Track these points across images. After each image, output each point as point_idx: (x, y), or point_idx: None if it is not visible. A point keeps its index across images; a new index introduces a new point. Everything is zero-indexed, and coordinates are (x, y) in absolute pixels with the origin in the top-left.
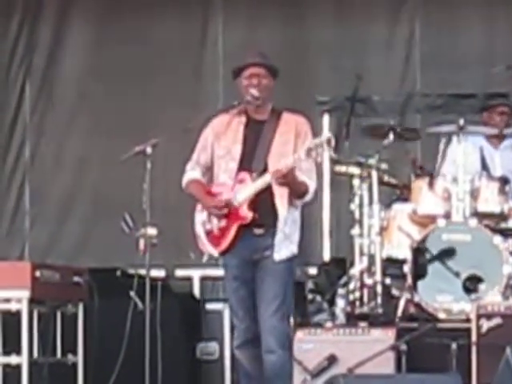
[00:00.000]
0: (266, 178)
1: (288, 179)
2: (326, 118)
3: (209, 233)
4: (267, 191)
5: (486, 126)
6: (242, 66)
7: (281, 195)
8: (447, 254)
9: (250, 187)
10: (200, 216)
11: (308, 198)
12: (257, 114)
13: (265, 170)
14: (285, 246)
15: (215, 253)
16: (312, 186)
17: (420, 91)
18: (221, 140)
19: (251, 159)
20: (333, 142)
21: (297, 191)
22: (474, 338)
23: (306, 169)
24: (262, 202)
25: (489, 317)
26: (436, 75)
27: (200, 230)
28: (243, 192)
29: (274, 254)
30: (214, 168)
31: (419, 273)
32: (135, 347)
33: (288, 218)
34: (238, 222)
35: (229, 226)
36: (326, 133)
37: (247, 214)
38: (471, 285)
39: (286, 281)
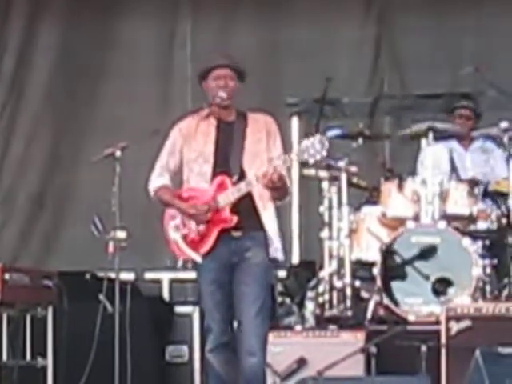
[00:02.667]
0: (252, 183)
1: (280, 183)
2: (294, 121)
3: (185, 237)
4: (247, 193)
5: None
6: (208, 67)
7: (260, 197)
8: (427, 253)
9: (233, 192)
10: (173, 222)
11: (288, 199)
12: (225, 115)
13: (242, 172)
14: (282, 244)
15: (197, 257)
16: (290, 186)
17: (388, 93)
18: (191, 143)
19: (226, 161)
20: (327, 144)
21: (281, 194)
22: (443, 340)
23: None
24: (242, 204)
25: (458, 319)
26: (404, 76)
27: (176, 236)
28: (225, 197)
29: (278, 254)
30: (183, 172)
31: (392, 275)
32: (105, 350)
33: (274, 219)
34: (221, 225)
35: (210, 229)
36: (319, 135)
37: (232, 218)
38: (440, 287)
39: (266, 283)
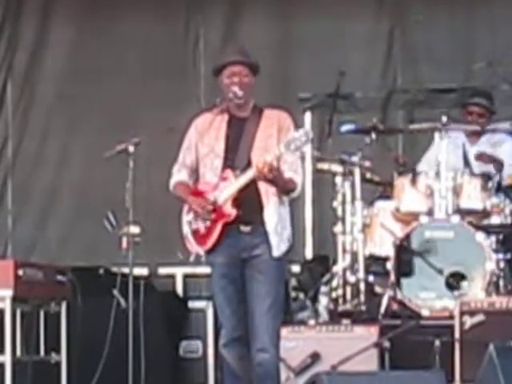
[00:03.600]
0: (249, 175)
1: (271, 176)
2: (307, 115)
3: (195, 232)
4: (253, 188)
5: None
6: (222, 64)
7: (266, 192)
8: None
9: (233, 184)
10: (186, 217)
11: (296, 193)
12: (239, 111)
13: (248, 166)
14: (277, 242)
15: (201, 252)
16: (299, 180)
17: (401, 87)
18: (204, 138)
19: (234, 156)
20: (310, 136)
21: (284, 188)
22: (457, 334)
23: (291, 162)
24: (248, 199)
25: (472, 313)
26: (417, 71)
27: (187, 230)
28: (227, 190)
29: (273, 251)
30: (199, 167)
31: (404, 270)
32: (118, 345)
33: (275, 215)
34: (223, 219)
35: (214, 224)
36: (305, 127)
37: (231, 212)
38: (454, 282)
39: (278, 279)
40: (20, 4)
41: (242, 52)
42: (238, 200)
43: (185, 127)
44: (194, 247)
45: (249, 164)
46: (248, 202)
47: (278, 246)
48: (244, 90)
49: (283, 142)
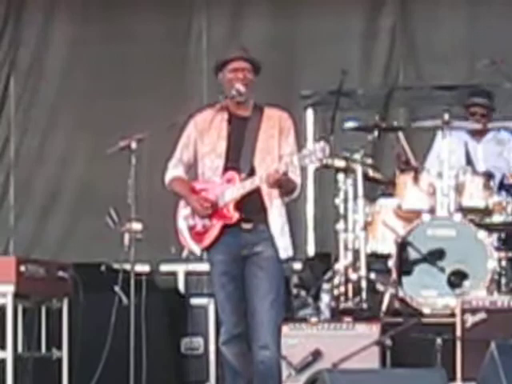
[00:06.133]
0: (255, 182)
1: (280, 183)
2: (309, 113)
3: (192, 228)
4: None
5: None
6: (226, 59)
7: (268, 194)
8: (436, 254)
9: (239, 189)
10: (183, 211)
11: (296, 194)
12: (239, 110)
13: (252, 169)
14: (284, 244)
15: (197, 249)
16: (298, 180)
17: (403, 84)
18: (204, 137)
19: (237, 157)
20: (327, 151)
21: (286, 190)
22: (458, 332)
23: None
24: (250, 198)
25: (473, 312)
26: (419, 68)
27: (183, 225)
28: (231, 192)
29: (280, 252)
30: (197, 165)
31: (405, 269)
32: (120, 342)
33: (279, 217)
34: (223, 221)
35: (213, 224)
36: (322, 142)
37: (233, 215)
38: (456, 280)
39: (278, 276)
40: (23, 1)
41: (245, 49)
42: (244, 201)
43: (187, 123)
44: (189, 244)
45: (252, 166)
46: (249, 201)
47: (286, 249)
48: (247, 86)
49: (299, 155)
